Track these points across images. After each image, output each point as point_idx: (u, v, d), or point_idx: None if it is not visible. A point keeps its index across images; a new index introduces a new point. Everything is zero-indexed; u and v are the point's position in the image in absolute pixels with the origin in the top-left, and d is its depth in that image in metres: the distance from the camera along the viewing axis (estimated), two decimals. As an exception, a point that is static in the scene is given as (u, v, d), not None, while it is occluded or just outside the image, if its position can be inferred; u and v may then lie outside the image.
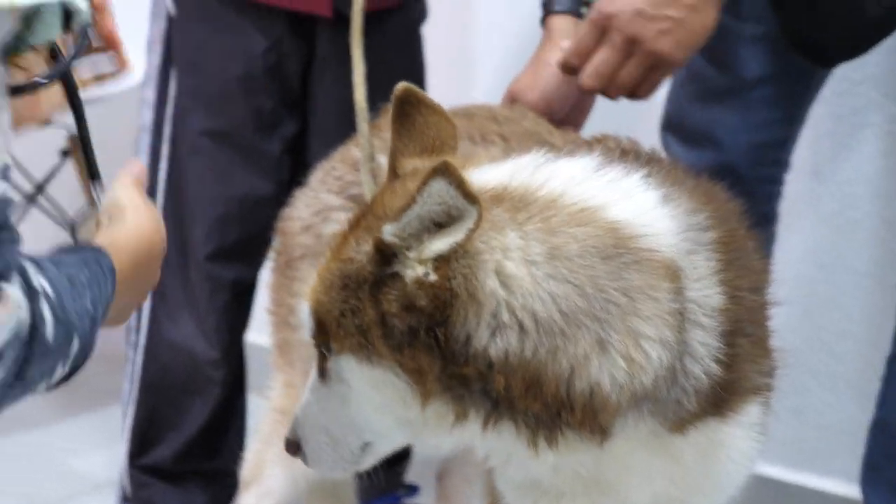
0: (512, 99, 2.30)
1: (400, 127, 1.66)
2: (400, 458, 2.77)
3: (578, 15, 2.28)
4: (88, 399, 3.49)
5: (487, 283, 1.45)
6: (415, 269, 1.47)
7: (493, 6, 3.35)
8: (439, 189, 1.42)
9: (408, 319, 1.48)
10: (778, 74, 2.46)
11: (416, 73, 2.69)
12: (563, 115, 2.28)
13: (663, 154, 2.04)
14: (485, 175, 1.59)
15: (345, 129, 2.25)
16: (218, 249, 2.61)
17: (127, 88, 2.81)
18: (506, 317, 1.46)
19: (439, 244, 1.47)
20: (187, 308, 2.48)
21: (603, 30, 2.08)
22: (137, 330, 2.66)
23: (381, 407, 1.57)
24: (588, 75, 2.11)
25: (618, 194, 1.58)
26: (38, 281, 1.21)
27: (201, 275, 2.63)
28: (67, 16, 1.28)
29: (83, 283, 1.31)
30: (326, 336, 1.53)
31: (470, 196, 1.41)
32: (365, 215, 1.54)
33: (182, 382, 2.49)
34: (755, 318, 1.69)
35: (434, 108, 1.68)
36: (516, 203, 1.52)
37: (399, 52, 2.65)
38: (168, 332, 2.51)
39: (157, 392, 2.49)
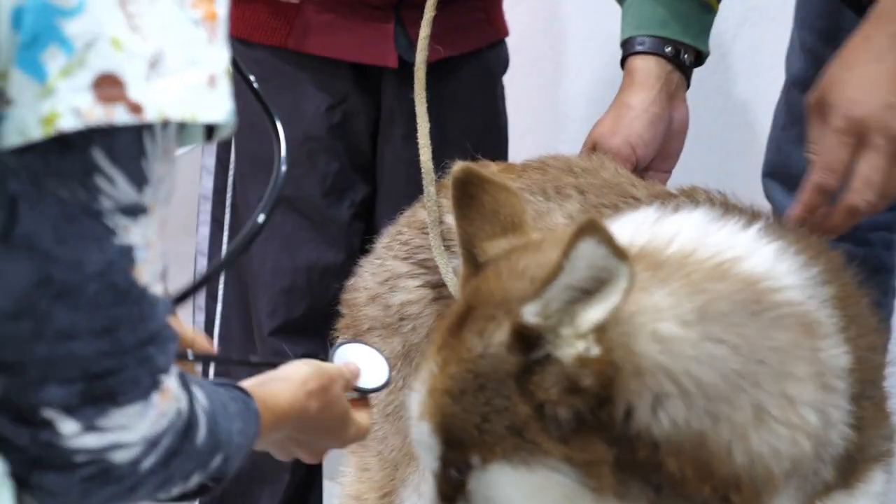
0: (593, 145, 2.23)
1: (466, 210, 1.62)
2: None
3: (662, 55, 2.24)
4: None
5: (647, 348, 1.43)
6: (574, 346, 1.44)
7: (583, 50, 3.32)
8: (589, 251, 1.38)
9: (572, 404, 1.45)
10: None
11: (495, 125, 2.67)
12: (647, 161, 2.23)
13: (763, 204, 2.06)
14: None
15: (415, 190, 2.21)
16: (284, 324, 2.61)
17: (184, 152, 2.81)
18: (668, 385, 1.43)
19: (596, 312, 1.43)
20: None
21: (857, 136, 2.01)
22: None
23: None
24: (860, 192, 2.02)
25: (745, 247, 1.57)
26: (195, 389, 1.31)
27: (267, 351, 2.62)
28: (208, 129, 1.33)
29: (233, 412, 1.40)
30: (464, 451, 1.48)
31: (621, 254, 1.38)
32: (473, 308, 1.49)
33: (250, 469, 2.32)
34: (875, 379, 1.68)
35: (501, 185, 1.64)
36: (651, 261, 1.51)
37: (476, 103, 2.62)
38: None
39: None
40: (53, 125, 1.17)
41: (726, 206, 1.79)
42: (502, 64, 2.67)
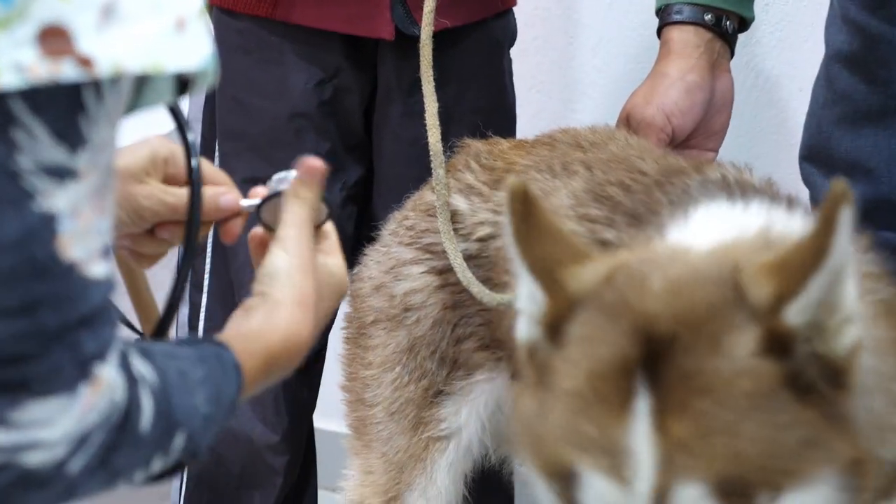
0: (626, 117, 2.21)
1: (530, 232, 1.47)
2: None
3: (702, 24, 2.20)
4: (135, 496, 3.55)
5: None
6: (846, 334, 1.36)
7: (599, 23, 3.19)
8: (848, 220, 1.29)
9: (850, 402, 1.39)
10: None
11: (502, 100, 2.57)
12: (685, 134, 2.20)
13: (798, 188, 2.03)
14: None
15: (416, 172, 2.19)
16: None
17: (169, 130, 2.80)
18: None
19: (851, 288, 1.35)
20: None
21: None
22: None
23: None
24: None
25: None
26: (142, 368, 1.22)
27: None
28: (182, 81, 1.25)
29: (196, 380, 1.30)
30: (749, 493, 1.34)
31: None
32: (672, 340, 1.35)
33: (239, 474, 2.36)
34: None
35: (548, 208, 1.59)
36: None
37: (481, 77, 2.52)
38: None
39: (211, 486, 2.36)
40: None
41: (770, 192, 1.78)
42: (509, 35, 2.58)
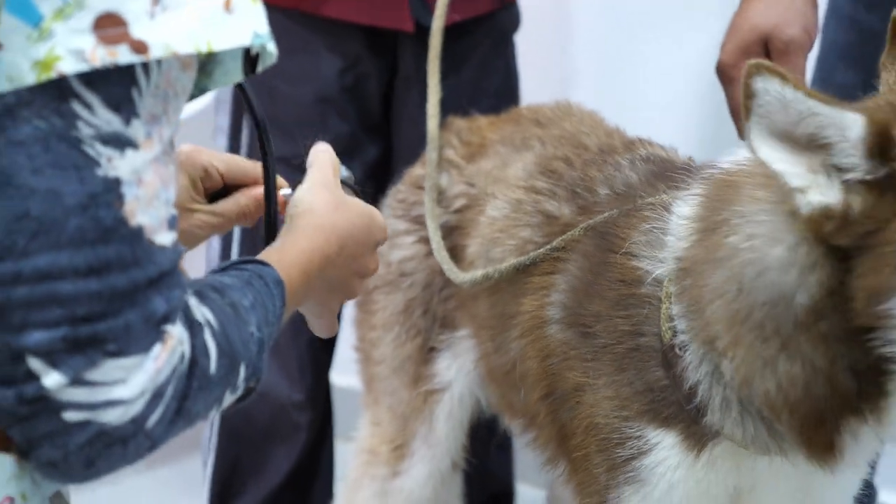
0: (761, 41, 2.19)
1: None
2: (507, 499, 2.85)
3: None
4: (169, 449, 3.45)
5: None
6: None
7: (589, 8, 3.31)
8: None
9: None
10: None
11: (509, 84, 2.68)
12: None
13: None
14: None
15: (416, 162, 2.30)
16: None
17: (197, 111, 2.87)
18: None
19: None
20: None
21: None
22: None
23: None
24: None
25: None
26: (202, 313, 1.27)
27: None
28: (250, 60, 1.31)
29: (247, 307, 1.35)
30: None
31: None
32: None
33: (265, 428, 2.46)
34: None
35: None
36: None
37: (490, 64, 2.62)
38: None
39: (239, 440, 2.47)
40: (53, 68, 1.14)
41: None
42: (514, 24, 2.66)
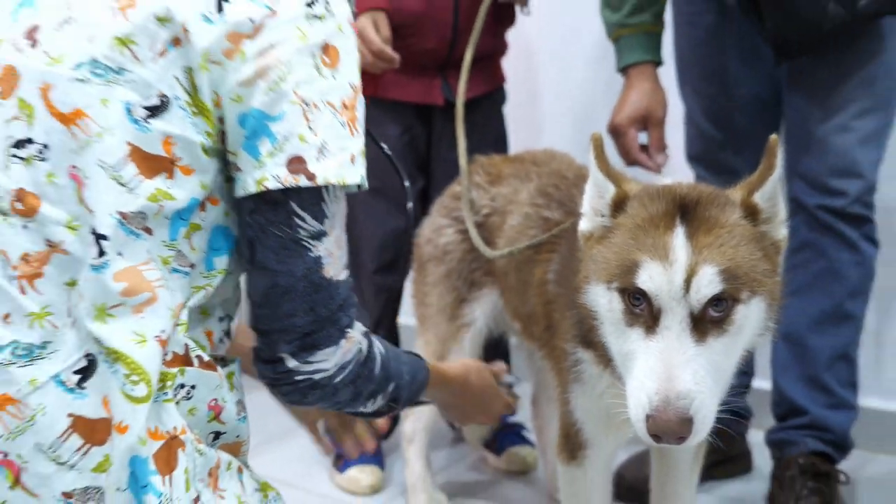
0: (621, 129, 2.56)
1: (602, 160, 1.75)
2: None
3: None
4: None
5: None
6: (782, 230, 1.67)
7: (552, 84, 3.65)
8: (781, 156, 1.62)
9: (778, 259, 1.64)
10: None
11: (501, 137, 3.07)
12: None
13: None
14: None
15: (453, 181, 2.60)
16: (380, 265, 2.98)
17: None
18: None
19: (783, 208, 1.65)
20: (359, 307, 2.06)
21: None
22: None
23: (751, 338, 1.67)
24: None
25: None
26: (378, 345, 1.58)
27: (369, 284, 2.98)
28: None
29: (405, 361, 1.64)
30: (739, 286, 1.58)
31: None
32: (695, 205, 1.63)
33: None
34: None
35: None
36: None
37: (489, 125, 3.01)
38: None
39: None
40: (263, 185, 1.39)
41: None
42: (504, 99, 3.09)
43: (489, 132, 3.01)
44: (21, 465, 1.36)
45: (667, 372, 1.51)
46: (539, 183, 2.35)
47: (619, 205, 1.69)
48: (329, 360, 1.48)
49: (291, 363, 1.46)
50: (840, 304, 2.67)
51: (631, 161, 2.59)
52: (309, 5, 1.40)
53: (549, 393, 2.68)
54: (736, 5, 2.58)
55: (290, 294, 1.43)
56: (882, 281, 2.85)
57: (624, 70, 2.63)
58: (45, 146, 1.39)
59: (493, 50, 2.98)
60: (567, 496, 2.14)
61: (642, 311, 1.58)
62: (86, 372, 1.37)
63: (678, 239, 1.57)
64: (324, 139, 1.39)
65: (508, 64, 3.17)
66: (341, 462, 3.02)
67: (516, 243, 2.27)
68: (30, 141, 1.41)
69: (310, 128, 1.38)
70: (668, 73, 2.75)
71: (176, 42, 1.38)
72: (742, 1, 2.51)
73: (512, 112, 3.27)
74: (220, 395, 1.46)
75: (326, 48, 1.40)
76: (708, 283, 1.54)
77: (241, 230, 1.45)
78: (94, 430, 1.36)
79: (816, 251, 2.64)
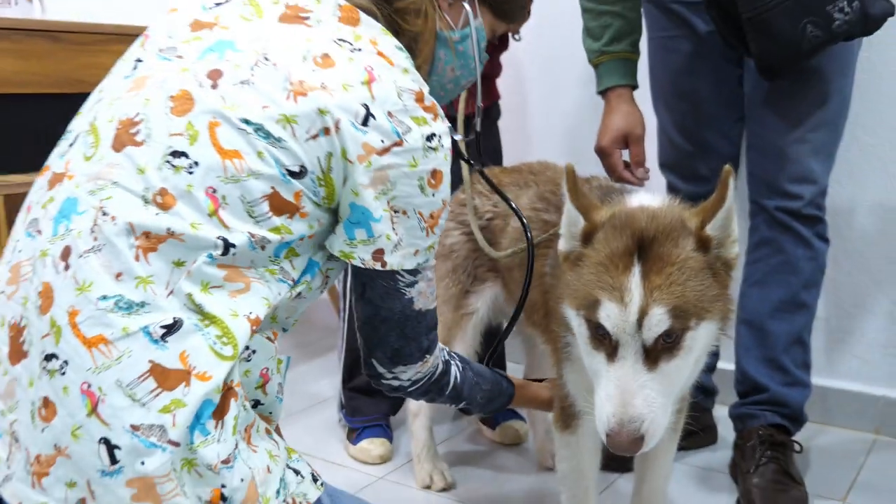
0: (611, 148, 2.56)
1: (575, 191, 1.80)
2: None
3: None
4: (318, 349, 4.05)
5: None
6: (733, 250, 1.71)
7: (540, 100, 3.75)
8: (733, 185, 1.65)
9: (728, 283, 1.70)
10: None
11: (497, 148, 3.20)
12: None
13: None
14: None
15: (457, 191, 2.66)
16: None
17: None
18: None
19: (736, 226, 1.67)
20: None
21: None
22: (343, 309, 3.11)
23: (703, 352, 1.73)
24: None
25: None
26: (456, 370, 1.81)
27: None
28: None
29: (482, 389, 1.89)
30: (687, 318, 1.63)
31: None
32: (651, 239, 1.66)
33: None
34: None
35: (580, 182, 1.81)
36: None
37: (486, 136, 3.08)
38: None
39: (356, 345, 2.22)
40: (349, 261, 1.62)
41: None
42: (499, 114, 3.23)
43: (487, 144, 3.09)
44: (100, 397, 1.44)
45: (621, 397, 1.62)
46: (538, 190, 2.45)
47: (587, 236, 1.79)
48: (405, 374, 1.76)
49: (380, 369, 1.76)
50: (796, 294, 2.75)
51: (617, 178, 2.61)
52: (428, 139, 1.60)
53: (539, 374, 2.83)
54: (709, 34, 2.68)
55: (387, 322, 1.70)
56: (831, 274, 3.08)
57: (603, 93, 2.68)
58: (196, 163, 1.52)
59: (489, 72, 3.12)
60: (562, 459, 2.24)
61: (604, 338, 1.70)
62: (170, 329, 1.46)
63: (633, 279, 1.65)
64: (401, 237, 1.60)
65: (501, 82, 3.29)
66: (354, 435, 3.16)
67: (519, 243, 2.41)
68: (185, 155, 1.52)
69: (393, 229, 1.59)
70: (643, 88, 2.80)
71: (326, 132, 1.56)
72: (719, 28, 2.54)
73: (504, 126, 3.36)
74: (271, 365, 1.61)
75: (434, 173, 1.61)
76: (657, 322, 1.64)
77: (353, 271, 1.68)
78: (167, 378, 1.44)
79: (775, 247, 2.74)
